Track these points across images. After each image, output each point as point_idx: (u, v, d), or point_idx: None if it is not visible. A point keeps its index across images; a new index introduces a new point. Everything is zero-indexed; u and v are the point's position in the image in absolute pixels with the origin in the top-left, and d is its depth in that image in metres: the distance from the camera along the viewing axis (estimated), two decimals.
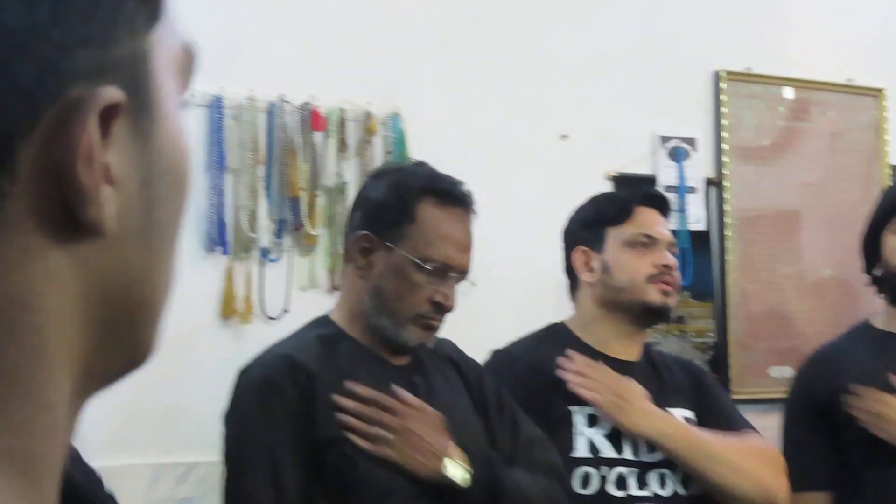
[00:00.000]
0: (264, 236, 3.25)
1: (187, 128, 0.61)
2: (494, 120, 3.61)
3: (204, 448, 3.11)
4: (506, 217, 3.55)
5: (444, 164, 3.42)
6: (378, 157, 3.37)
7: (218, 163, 3.20)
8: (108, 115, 0.52)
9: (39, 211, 0.51)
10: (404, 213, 2.28)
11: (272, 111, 3.26)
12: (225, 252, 3.21)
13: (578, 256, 2.73)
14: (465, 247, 2.32)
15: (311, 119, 3.29)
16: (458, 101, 3.57)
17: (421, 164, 2.49)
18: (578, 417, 2.57)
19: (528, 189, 3.62)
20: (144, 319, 0.58)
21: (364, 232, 2.30)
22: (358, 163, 3.36)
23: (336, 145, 3.33)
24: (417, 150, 3.40)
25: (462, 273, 2.32)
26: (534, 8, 3.73)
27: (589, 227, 2.75)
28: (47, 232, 0.52)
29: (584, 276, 2.72)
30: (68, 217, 0.52)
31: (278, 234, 3.27)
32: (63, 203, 0.51)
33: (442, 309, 2.29)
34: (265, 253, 3.26)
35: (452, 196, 2.32)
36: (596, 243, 2.72)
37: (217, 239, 3.20)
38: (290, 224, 3.27)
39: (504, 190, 3.57)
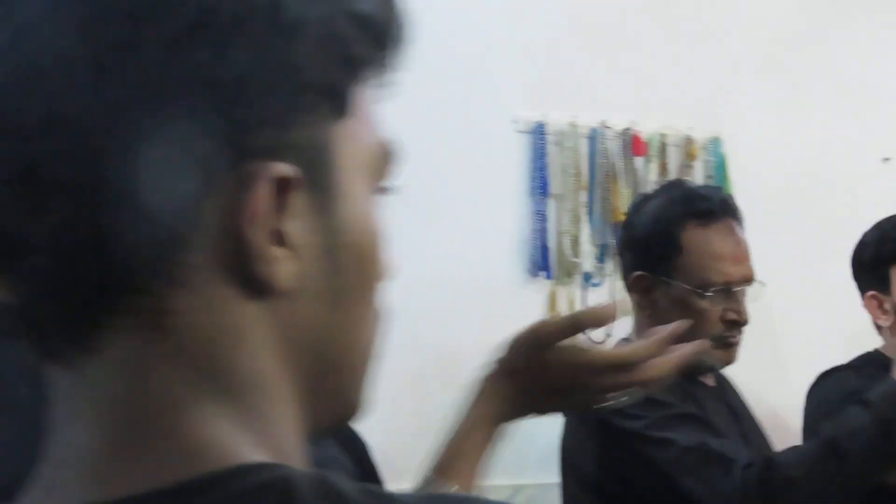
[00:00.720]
0: (587, 261, 3.27)
1: (377, 212, 0.67)
2: (815, 143, 3.54)
3: (528, 470, 3.14)
4: (825, 243, 3.47)
5: (764, 188, 3.39)
6: (699, 181, 3.34)
7: (541, 188, 3.23)
8: (284, 188, 0.59)
9: (223, 264, 0.59)
10: (670, 245, 2.26)
11: (594, 137, 3.28)
12: (548, 277, 3.24)
13: (870, 302, 2.62)
14: (741, 257, 2.28)
15: (633, 144, 3.30)
16: (780, 124, 3.51)
17: (674, 185, 2.47)
18: None
19: (849, 214, 3.52)
20: (343, 376, 0.66)
21: (639, 273, 2.29)
22: None
23: (657, 170, 3.33)
24: (738, 175, 3.37)
25: (746, 282, 2.28)
26: (855, 29, 3.64)
27: (871, 269, 2.64)
28: (231, 283, 0.60)
29: (881, 321, 2.62)
30: (245, 272, 0.59)
31: (601, 258, 3.28)
32: (239, 259, 0.59)
33: (737, 324, 2.26)
34: (588, 278, 3.27)
35: (712, 212, 2.28)
36: (882, 285, 2.60)
37: (540, 264, 3.23)
38: (613, 249, 3.28)
39: (824, 214, 3.50)
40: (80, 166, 0.57)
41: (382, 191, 0.67)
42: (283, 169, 0.59)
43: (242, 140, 0.58)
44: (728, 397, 2.41)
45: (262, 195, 0.58)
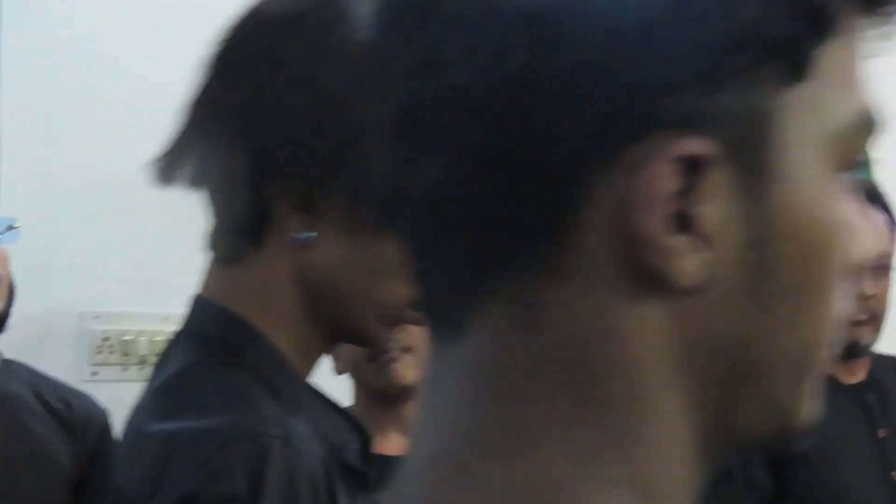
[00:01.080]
0: None
1: (841, 195, 0.55)
2: None
3: None
4: None
5: None
6: None
7: None
8: (695, 167, 0.49)
9: (610, 252, 0.50)
10: None
11: None
12: None
13: None
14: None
15: None
16: None
17: None
18: None
19: None
20: (771, 386, 0.55)
21: None
22: None
23: None
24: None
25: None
26: None
27: None
28: (619, 275, 0.50)
29: None
30: (637, 264, 0.50)
31: None
32: (630, 248, 0.50)
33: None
34: None
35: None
36: None
37: None
38: None
39: None
40: (460, 120, 0.51)
41: (856, 167, 0.56)
42: (695, 146, 0.49)
43: (652, 105, 0.49)
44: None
45: (661, 175, 0.49)
